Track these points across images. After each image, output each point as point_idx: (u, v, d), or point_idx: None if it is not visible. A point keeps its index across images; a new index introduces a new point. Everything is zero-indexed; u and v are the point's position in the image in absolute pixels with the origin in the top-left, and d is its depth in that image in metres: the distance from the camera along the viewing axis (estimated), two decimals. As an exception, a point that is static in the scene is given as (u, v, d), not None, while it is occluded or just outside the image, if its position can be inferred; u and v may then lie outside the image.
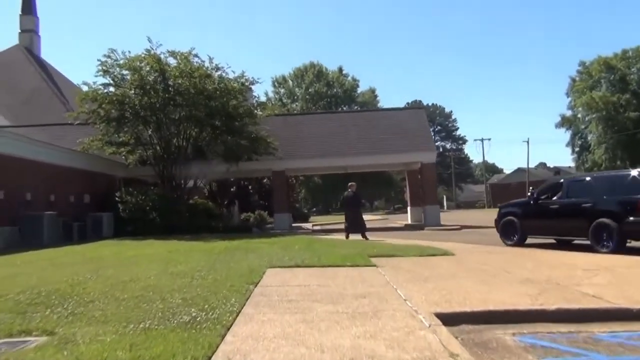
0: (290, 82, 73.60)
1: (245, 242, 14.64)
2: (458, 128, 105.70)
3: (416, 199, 28.54)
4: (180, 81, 21.01)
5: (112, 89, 21.56)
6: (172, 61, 21.68)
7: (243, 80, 22.79)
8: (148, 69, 21.02)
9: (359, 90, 74.39)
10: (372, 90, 72.97)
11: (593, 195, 12.37)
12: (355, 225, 16.54)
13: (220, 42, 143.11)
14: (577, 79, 64.72)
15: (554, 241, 13.91)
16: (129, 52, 21.00)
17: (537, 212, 13.79)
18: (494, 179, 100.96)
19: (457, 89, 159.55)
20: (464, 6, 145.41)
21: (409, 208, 29.88)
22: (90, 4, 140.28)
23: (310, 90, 69.94)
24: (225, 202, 31.14)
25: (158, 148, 22.40)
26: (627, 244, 11.69)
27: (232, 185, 37.09)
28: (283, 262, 9.61)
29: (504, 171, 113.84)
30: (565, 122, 65.86)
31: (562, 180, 14.57)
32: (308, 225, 30.51)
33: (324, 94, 68.00)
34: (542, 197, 14.09)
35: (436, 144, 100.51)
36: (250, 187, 38.49)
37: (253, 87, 23.02)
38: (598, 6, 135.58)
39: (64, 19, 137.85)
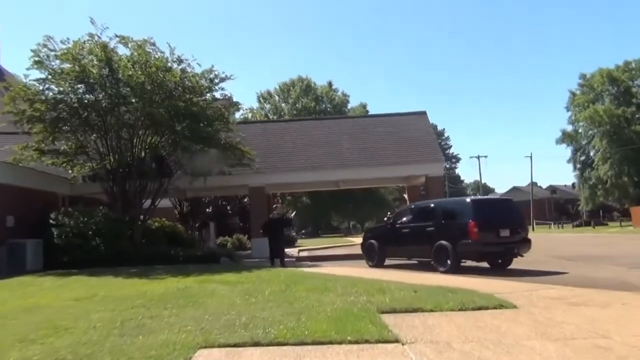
0: (276, 97, 69.87)
1: (199, 282, 10.42)
2: (451, 146, 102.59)
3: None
4: (131, 73, 16.92)
5: (50, 85, 17.37)
6: (123, 51, 17.65)
7: (212, 76, 18.73)
8: (91, 58, 16.91)
9: (350, 105, 70.75)
10: (363, 106, 69.28)
11: (435, 220, 13.58)
12: (279, 251, 15.91)
13: (202, 55, 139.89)
14: (578, 92, 61.59)
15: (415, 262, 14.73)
16: (68, 39, 16.89)
17: (392, 235, 14.94)
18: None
19: (450, 106, 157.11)
20: (458, 20, 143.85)
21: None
22: None
23: (297, 105, 66.18)
24: (197, 225, 26.82)
25: (107, 158, 18.18)
26: (463, 264, 13.21)
27: (207, 205, 32.87)
28: (233, 330, 5.48)
29: (496, 190, 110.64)
30: (566, 138, 62.48)
31: (412, 206, 16.22)
32: (294, 251, 26.31)
33: (312, 109, 64.19)
34: (398, 221, 15.22)
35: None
36: (228, 207, 34.30)
37: (224, 83, 18.91)
38: (596, 18, 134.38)
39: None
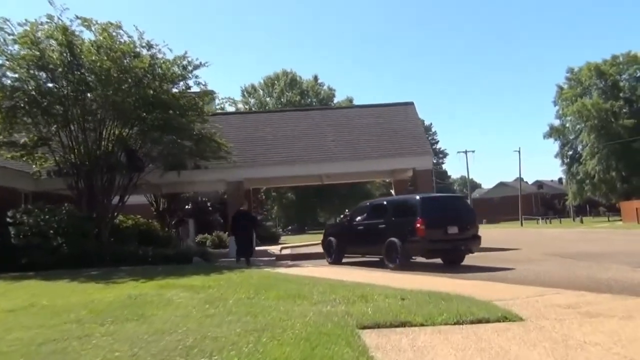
0: (261, 92, 68.47)
1: (158, 288, 9.20)
2: (438, 141, 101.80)
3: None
4: (95, 58, 15.59)
5: (6, 72, 15.98)
6: (87, 35, 16.31)
7: (185, 62, 17.45)
8: (51, 42, 15.55)
9: (336, 100, 69.51)
10: (350, 100, 67.99)
11: (387, 217, 13.86)
12: (245, 248, 15.79)
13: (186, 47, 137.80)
14: (566, 86, 61.07)
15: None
16: (26, 21, 15.50)
17: (349, 232, 15.22)
18: (476, 194, 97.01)
19: (437, 101, 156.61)
20: (446, 15, 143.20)
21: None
22: None
23: (282, 99, 64.80)
24: (173, 222, 25.50)
25: (71, 152, 16.85)
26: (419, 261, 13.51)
27: (187, 201, 31.55)
28: (169, 359, 4.31)
29: (483, 186, 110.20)
30: (554, 133, 61.91)
31: (368, 203, 16.38)
32: (276, 249, 25.14)
33: (297, 103, 62.82)
34: (355, 218, 15.51)
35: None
36: (209, 204, 33.03)
37: (199, 71, 17.62)
38: (583, 12, 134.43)
39: None
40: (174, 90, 17.66)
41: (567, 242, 22.50)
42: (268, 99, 67.02)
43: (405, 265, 12.61)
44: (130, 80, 16.13)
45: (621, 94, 56.72)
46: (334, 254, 15.62)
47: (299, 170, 21.03)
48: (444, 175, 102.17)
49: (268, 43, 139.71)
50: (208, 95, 17.85)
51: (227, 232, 26.37)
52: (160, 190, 23.61)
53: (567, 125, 61.51)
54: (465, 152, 71.18)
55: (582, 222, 52.32)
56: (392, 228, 13.30)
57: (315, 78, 70.51)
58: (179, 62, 17.40)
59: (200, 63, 17.78)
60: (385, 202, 15.05)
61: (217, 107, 18.36)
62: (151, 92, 16.30)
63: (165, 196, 26.58)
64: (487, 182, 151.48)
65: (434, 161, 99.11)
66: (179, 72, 17.60)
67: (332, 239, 15.87)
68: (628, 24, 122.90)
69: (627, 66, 57.42)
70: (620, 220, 44.97)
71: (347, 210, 21.61)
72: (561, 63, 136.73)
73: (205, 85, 17.76)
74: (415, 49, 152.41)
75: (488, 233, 40.44)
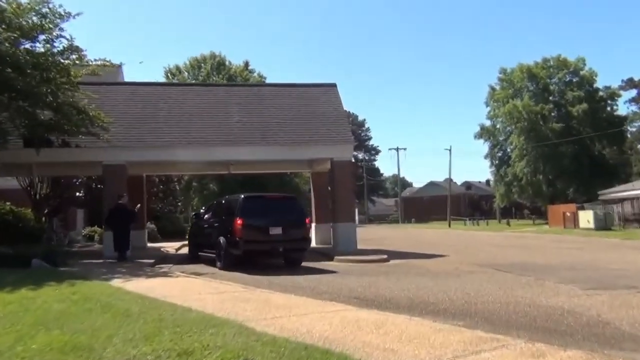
0: (186, 74, 63.66)
1: None
2: (371, 138, 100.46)
3: (324, 212, 20.54)
4: None
5: None
6: None
7: (45, 10, 13.63)
8: None
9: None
10: (261, 77, 64.80)
11: (219, 216, 14.08)
12: (123, 243, 15.07)
13: (104, 26, 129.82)
14: (498, 87, 60.69)
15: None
16: None
17: (198, 230, 15.56)
18: (406, 193, 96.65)
19: (371, 97, 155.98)
20: (380, 11, 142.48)
21: (313, 225, 21.70)
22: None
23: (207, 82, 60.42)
24: (45, 212, 21.32)
25: None
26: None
27: (79, 187, 27.26)
28: None
29: (414, 185, 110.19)
30: (484, 133, 61.38)
31: (215, 201, 16.66)
32: (174, 246, 21.56)
33: (224, 88, 58.69)
34: (203, 216, 15.66)
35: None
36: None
37: (65, 24, 13.84)
38: (518, 13, 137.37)
39: None
40: (29, 46, 13.82)
41: (498, 248, 20.40)
42: (193, 82, 62.40)
43: (229, 265, 12.49)
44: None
45: (551, 97, 56.90)
46: (191, 251, 16.10)
47: (196, 155, 17.53)
48: (376, 172, 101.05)
49: (198, 26, 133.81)
50: (74, 51, 14.03)
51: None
52: (31, 173, 19.47)
53: (498, 126, 61.19)
54: (397, 149, 70.02)
55: (508, 224, 51.83)
56: (220, 227, 13.36)
57: (246, 64, 66.33)
58: (36, 7, 13.56)
59: (68, 13, 14.06)
60: (223, 201, 15.09)
61: (89, 71, 14.54)
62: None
63: (45, 180, 22.34)
64: (419, 181, 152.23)
65: (367, 158, 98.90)
66: (40, 23, 13.80)
67: (190, 235, 16.42)
68: (559, 26, 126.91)
69: (557, 70, 57.62)
70: (546, 223, 44.45)
71: (203, 208, 19.89)
72: (495, 63, 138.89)
73: (71, 40, 14.00)
74: (352, 46, 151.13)
75: (416, 234, 38.72)
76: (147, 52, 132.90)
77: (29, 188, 22.01)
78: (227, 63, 65.13)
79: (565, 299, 8.05)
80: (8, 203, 20.33)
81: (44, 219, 21.58)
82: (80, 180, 26.49)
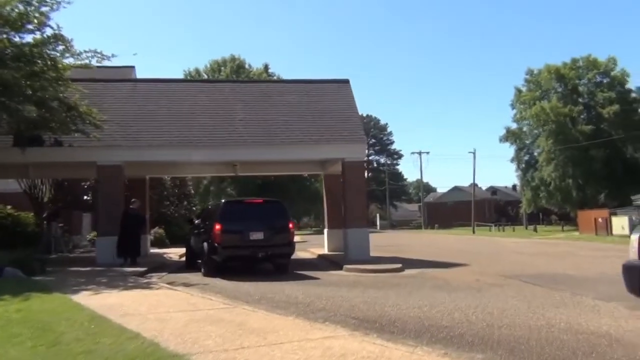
0: (205, 77, 63.22)
1: None
2: (393, 142, 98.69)
3: (337, 217, 19.18)
4: None
5: None
6: None
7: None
8: None
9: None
10: (267, 69, 63.98)
11: (205, 222, 14.02)
12: (134, 249, 14.64)
13: (130, 31, 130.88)
14: (524, 88, 58.54)
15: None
16: None
17: (192, 236, 15.43)
18: (430, 198, 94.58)
19: (393, 100, 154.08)
20: (404, 13, 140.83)
21: (325, 231, 20.33)
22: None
23: (227, 86, 59.79)
24: (44, 216, 20.45)
25: None
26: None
27: (86, 190, 26.46)
28: None
29: (438, 190, 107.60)
30: (510, 136, 59.23)
31: (209, 206, 17.34)
32: (179, 252, 20.49)
33: (243, 92, 57.94)
34: (195, 222, 15.61)
35: (369, 157, 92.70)
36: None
37: (54, 12, 12.89)
38: (543, 14, 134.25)
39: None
40: (17, 38, 12.91)
41: (526, 256, 18.75)
42: (197, 78, 61.84)
43: (210, 271, 12.26)
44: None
45: (580, 99, 54.57)
46: (187, 259, 15.66)
47: (199, 155, 16.32)
48: (399, 177, 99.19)
49: (219, 29, 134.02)
50: (60, 40, 13.00)
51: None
52: (28, 175, 18.63)
53: (524, 129, 59.02)
54: (420, 153, 68.20)
55: (535, 230, 49.66)
56: (204, 233, 13.23)
57: (266, 67, 65.75)
58: (19, -4, 12.61)
59: (57, 1, 13.09)
60: (209, 206, 15.02)
61: (78, 62, 13.53)
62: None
63: (46, 183, 21.49)
64: (443, 186, 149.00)
65: (389, 162, 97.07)
66: (25, 12, 12.87)
67: (187, 243, 15.97)
68: (588, 28, 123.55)
69: (587, 70, 55.25)
70: (576, 230, 42.29)
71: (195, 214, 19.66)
72: (521, 64, 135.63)
73: (58, 30, 13.01)
74: (374, 46, 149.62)
75: (438, 240, 36.93)
76: (167, 55, 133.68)
77: (30, 191, 21.22)
78: (246, 66, 64.65)
79: (611, 322, 6.61)
80: (8, 206, 19.59)
81: (44, 222, 20.77)
82: (88, 183, 25.70)
